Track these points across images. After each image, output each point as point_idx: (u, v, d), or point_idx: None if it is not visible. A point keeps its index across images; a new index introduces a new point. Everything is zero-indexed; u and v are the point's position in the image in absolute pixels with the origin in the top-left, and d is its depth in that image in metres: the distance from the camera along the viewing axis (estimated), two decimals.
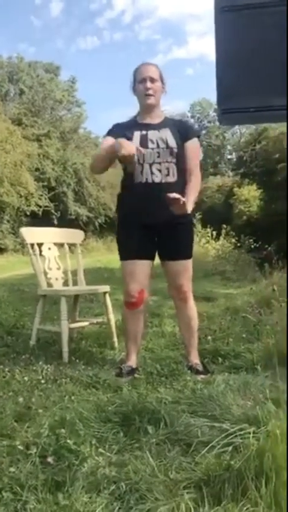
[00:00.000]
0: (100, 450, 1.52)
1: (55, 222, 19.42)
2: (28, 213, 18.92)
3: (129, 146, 2.23)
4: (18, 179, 17.92)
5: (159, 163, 2.37)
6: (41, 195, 20.02)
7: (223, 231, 12.16)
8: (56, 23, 45.77)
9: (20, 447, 1.50)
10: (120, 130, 2.43)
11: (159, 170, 2.37)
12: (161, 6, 49.84)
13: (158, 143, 2.38)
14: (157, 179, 2.37)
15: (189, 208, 2.33)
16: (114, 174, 25.53)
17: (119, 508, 1.20)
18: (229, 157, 33.45)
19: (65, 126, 23.66)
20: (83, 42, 49.05)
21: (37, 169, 20.41)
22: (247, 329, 3.10)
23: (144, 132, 2.40)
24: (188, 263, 2.49)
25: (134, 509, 1.19)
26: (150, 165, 2.37)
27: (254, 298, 4.39)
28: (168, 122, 2.48)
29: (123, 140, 2.25)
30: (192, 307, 2.54)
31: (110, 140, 2.39)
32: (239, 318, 3.60)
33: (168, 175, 2.38)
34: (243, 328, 3.16)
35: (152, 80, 2.41)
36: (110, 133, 2.48)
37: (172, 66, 50.17)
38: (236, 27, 3.18)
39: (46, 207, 20.05)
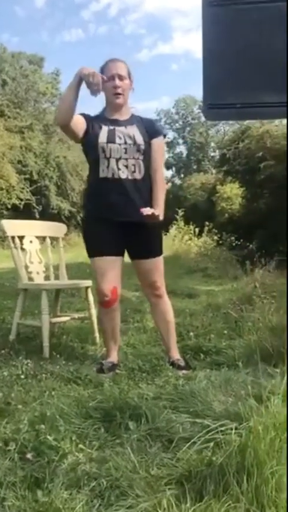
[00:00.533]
0: (80, 446, 1.50)
1: (37, 215, 19.20)
2: (9, 206, 18.64)
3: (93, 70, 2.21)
4: None
5: (126, 159, 2.35)
6: (23, 188, 19.73)
7: (205, 228, 12.21)
8: (41, 14, 45.02)
9: None
10: (90, 118, 2.43)
11: (126, 166, 2.35)
12: (147, 0, 49.56)
13: (125, 139, 2.36)
14: (123, 175, 2.35)
15: (161, 210, 2.35)
16: None
17: (100, 505, 1.18)
18: (212, 154, 33.59)
19: (48, 119, 23.32)
20: (68, 34, 48.42)
21: (19, 162, 20.11)
22: (229, 325, 3.12)
23: (112, 127, 2.39)
24: (159, 260, 2.48)
25: (115, 505, 1.17)
26: (117, 160, 2.34)
27: (235, 296, 4.41)
28: (135, 120, 2.47)
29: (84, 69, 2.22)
30: (167, 302, 2.54)
31: (79, 116, 2.37)
32: (220, 314, 3.62)
33: (134, 171, 2.37)
34: (224, 324, 3.17)
35: (121, 77, 2.38)
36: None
37: (157, 61, 50.03)
38: (224, 22, 3.15)
39: (28, 200, 19.79)
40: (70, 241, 15.24)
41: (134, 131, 2.39)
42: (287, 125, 11.18)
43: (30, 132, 21.38)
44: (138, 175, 2.38)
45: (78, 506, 1.13)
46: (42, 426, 1.54)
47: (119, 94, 2.39)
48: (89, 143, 2.39)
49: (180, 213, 12.33)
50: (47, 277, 3.22)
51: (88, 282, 3.12)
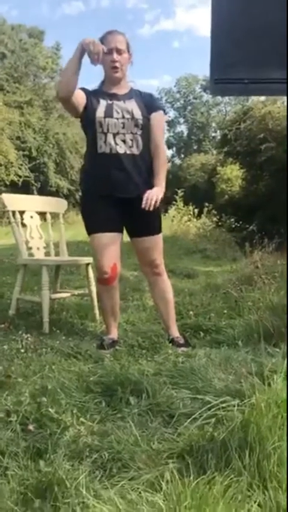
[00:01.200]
0: (82, 419, 1.51)
1: (35, 193, 19.07)
2: (7, 183, 18.49)
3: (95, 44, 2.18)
4: None
5: (124, 134, 2.31)
6: (21, 165, 19.56)
7: (205, 210, 12.16)
8: None
9: (1, 414, 1.47)
10: (89, 92, 2.38)
11: (124, 141, 2.32)
12: None
13: (123, 114, 2.32)
14: (121, 150, 2.31)
15: (162, 186, 2.31)
16: None
17: (102, 476, 1.19)
18: (213, 134, 33.25)
19: (48, 94, 22.96)
20: (68, 7, 47.28)
21: (18, 138, 19.88)
22: (228, 305, 3.12)
23: (110, 101, 2.34)
24: (158, 238, 2.46)
25: (117, 477, 1.18)
26: (114, 135, 2.31)
27: (235, 276, 4.41)
28: (134, 94, 2.42)
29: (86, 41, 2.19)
30: (166, 280, 2.53)
31: (80, 91, 2.33)
32: (219, 294, 3.62)
33: (132, 146, 2.33)
34: (224, 304, 3.17)
35: (119, 51, 2.32)
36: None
37: (159, 38, 49.05)
38: None
39: (26, 177, 19.63)
40: (68, 220, 15.15)
41: (133, 105, 2.34)
42: (287, 105, 11.02)
43: (29, 108, 21.09)
44: (136, 150, 2.34)
45: (81, 476, 1.13)
46: (44, 399, 1.54)
47: (117, 67, 2.34)
48: (87, 118, 2.35)
49: (180, 193, 12.26)
50: (47, 254, 3.20)
51: (89, 259, 3.10)
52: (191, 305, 3.22)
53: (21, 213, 3.09)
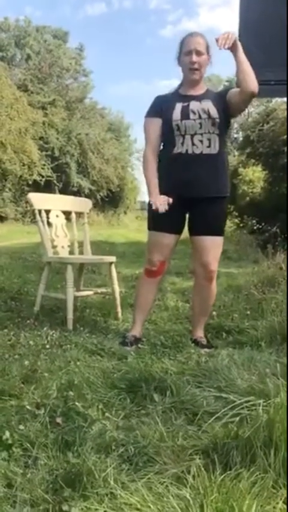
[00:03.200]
0: (107, 414, 1.54)
1: (57, 192, 19.28)
2: (30, 182, 18.74)
3: (161, 205, 2.26)
4: (22, 147, 17.66)
5: (201, 134, 2.33)
6: (44, 165, 19.79)
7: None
8: None
9: (29, 407, 1.51)
10: (161, 105, 2.42)
11: (201, 142, 2.33)
12: None
13: (199, 114, 2.34)
14: (197, 151, 2.34)
15: (230, 40, 2.16)
16: (119, 148, 25.27)
17: (128, 469, 1.22)
18: (235, 136, 33.00)
19: (71, 95, 23.19)
20: (91, 8, 47.62)
21: (41, 138, 20.12)
22: (251, 306, 3.11)
23: (185, 103, 2.37)
24: (219, 240, 2.45)
25: (143, 470, 1.20)
26: (192, 136, 2.33)
27: (257, 278, 4.39)
28: (210, 93, 2.44)
29: (156, 200, 2.29)
30: (214, 288, 2.53)
31: (156, 123, 2.40)
32: (241, 296, 3.62)
33: (209, 146, 2.34)
34: (247, 305, 3.17)
35: (198, 53, 2.34)
36: (151, 112, 2.45)
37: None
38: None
39: (49, 177, 19.85)
40: (89, 220, 15.32)
41: (209, 105, 2.35)
42: (287, 106, 10.82)
43: (53, 108, 21.32)
44: (213, 150, 2.35)
45: (109, 468, 1.16)
46: (71, 393, 1.58)
47: (196, 69, 2.35)
48: (163, 123, 2.39)
49: None
50: (71, 252, 3.25)
51: (112, 258, 3.14)
52: (213, 306, 3.21)
53: (47, 212, 3.15)
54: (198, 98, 2.38)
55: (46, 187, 19.10)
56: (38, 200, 3.12)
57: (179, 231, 2.48)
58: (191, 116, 2.33)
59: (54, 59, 23.55)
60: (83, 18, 45.47)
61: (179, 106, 2.36)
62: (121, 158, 23.94)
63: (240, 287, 4.08)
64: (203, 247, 2.44)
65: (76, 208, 3.37)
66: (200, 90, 2.42)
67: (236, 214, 11.65)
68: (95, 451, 1.29)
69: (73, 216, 3.33)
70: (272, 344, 2.30)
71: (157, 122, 2.41)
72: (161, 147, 2.48)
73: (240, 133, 30.22)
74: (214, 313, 2.97)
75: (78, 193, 20.44)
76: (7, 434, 1.33)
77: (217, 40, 2.16)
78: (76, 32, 49.16)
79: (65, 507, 1.03)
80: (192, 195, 2.37)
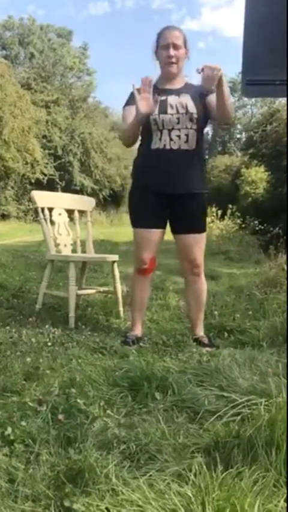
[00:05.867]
0: (109, 412, 1.54)
1: (59, 191, 19.28)
2: (33, 181, 18.75)
3: (147, 106, 2.24)
4: (25, 146, 17.67)
5: (179, 129, 2.33)
6: (47, 163, 19.79)
7: (228, 211, 12.10)
8: None
9: (30, 403, 1.52)
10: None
11: (178, 137, 2.33)
12: None
13: (177, 109, 2.33)
14: (175, 146, 2.33)
15: (215, 81, 2.11)
16: (122, 147, 25.22)
17: (130, 466, 1.22)
18: (238, 136, 32.99)
19: (74, 94, 23.19)
20: (94, 8, 47.59)
21: (44, 136, 20.13)
22: (253, 306, 3.11)
23: (163, 97, 2.35)
24: (202, 237, 2.47)
25: (145, 468, 1.21)
26: (169, 131, 2.33)
27: (258, 279, 4.39)
28: (188, 88, 2.42)
29: (139, 100, 2.24)
30: (204, 282, 2.54)
31: (132, 109, 2.35)
32: (243, 296, 3.62)
33: (187, 141, 2.34)
34: (248, 305, 3.17)
35: (176, 46, 2.34)
36: (129, 101, 2.44)
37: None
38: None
39: (51, 175, 19.86)
40: (91, 219, 15.30)
41: (187, 99, 2.35)
42: (287, 106, 10.80)
43: (56, 107, 21.32)
44: (191, 145, 2.35)
45: (111, 465, 1.17)
46: (73, 390, 1.58)
47: (173, 62, 2.35)
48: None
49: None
50: (73, 251, 3.25)
51: (115, 257, 3.15)
52: (215, 306, 3.23)
53: (50, 210, 3.15)
54: (177, 92, 2.37)
55: (49, 186, 19.10)
56: (41, 198, 3.13)
57: (162, 225, 2.47)
58: (169, 110, 2.32)
59: (57, 58, 23.57)
60: (85, 17, 45.51)
61: (156, 100, 2.33)
62: (124, 158, 23.90)
63: (242, 287, 4.09)
64: (187, 245, 2.45)
65: (79, 207, 3.38)
66: (178, 84, 2.41)
67: (238, 214, 11.64)
68: (96, 448, 1.30)
69: (76, 214, 3.33)
70: (274, 344, 2.31)
71: (134, 109, 2.35)
72: (139, 141, 2.48)
73: (244, 133, 30.24)
74: (216, 313, 2.97)
75: (80, 192, 20.42)
76: (9, 430, 1.33)
77: (199, 72, 2.10)
78: (79, 31, 49.20)
79: (66, 503, 1.04)
80: (172, 190, 2.37)
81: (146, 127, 2.37)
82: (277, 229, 7.69)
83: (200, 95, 2.37)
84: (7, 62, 19.12)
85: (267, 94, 2.36)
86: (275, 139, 13.51)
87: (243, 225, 10.92)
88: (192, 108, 2.33)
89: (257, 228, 10.19)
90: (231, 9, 48.31)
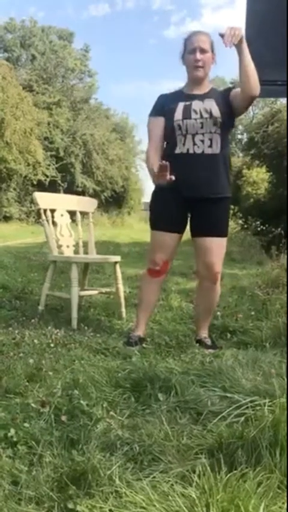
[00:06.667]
0: (112, 413, 1.54)
1: (61, 193, 19.31)
2: (35, 182, 18.78)
3: (163, 177, 2.23)
4: (27, 147, 17.70)
5: (203, 134, 2.33)
6: (49, 165, 19.84)
7: (230, 212, 12.08)
8: None
9: (33, 405, 1.51)
10: (164, 104, 2.43)
11: (202, 141, 2.33)
12: None
13: (201, 114, 2.33)
14: (198, 151, 2.33)
15: (237, 37, 2.10)
16: (123, 148, 25.25)
17: (133, 468, 1.21)
18: (239, 137, 32.95)
19: (76, 96, 23.24)
20: (94, 9, 47.65)
21: (46, 138, 20.16)
22: (255, 307, 3.11)
23: (188, 103, 2.37)
24: (222, 241, 2.43)
25: (148, 469, 1.20)
26: (193, 136, 2.33)
27: (261, 279, 4.39)
28: (214, 92, 2.43)
29: (156, 177, 2.29)
30: (218, 290, 2.52)
31: (158, 121, 2.40)
32: (246, 297, 3.61)
33: (210, 146, 2.34)
34: (251, 306, 3.16)
35: (202, 50, 2.34)
36: (154, 111, 2.46)
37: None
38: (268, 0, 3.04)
39: (53, 177, 19.90)
40: (93, 220, 15.31)
41: (211, 104, 2.34)
42: (287, 106, 10.75)
43: (58, 108, 21.36)
44: (215, 150, 2.35)
45: (114, 467, 1.16)
46: (76, 391, 1.58)
47: (200, 67, 2.35)
48: (165, 122, 2.39)
49: None
50: (76, 252, 3.26)
51: (117, 258, 3.14)
52: (217, 306, 3.21)
53: (52, 211, 3.16)
54: (202, 97, 2.37)
55: (51, 187, 19.13)
56: (43, 199, 3.13)
57: (181, 231, 2.47)
58: (193, 115, 2.33)
59: (59, 60, 23.61)
60: (86, 18, 45.56)
61: (181, 106, 2.36)
62: (125, 159, 23.95)
63: (245, 288, 4.08)
64: (206, 249, 2.42)
65: (81, 208, 3.38)
66: (204, 89, 2.42)
67: (240, 215, 11.65)
68: (100, 449, 1.29)
69: (78, 215, 3.33)
70: (277, 345, 2.30)
71: (160, 121, 2.41)
72: (164, 146, 2.47)
73: (245, 134, 30.20)
74: (218, 313, 2.96)
75: (82, 193, 20.42)
76: (12, 431, 1.33)
77: (222, 36, 2.10)
78: (80, 33, 49.16)
79: (70, 505, 1.03)
80: (194, 194, 2.36)
81: (170, 133, 2.38)
82: (279, 229, 7.68)
83: (224, 96, 2.37)
84: (9, 64, 19.14)
85: (269, 95, 2.37)
86: (276, 140, 13.48)
87: (245, 226, 10.92)
88: (216, 112, 2.32)
89: (259, 229, 10.17)
90: (232, 9, 48.35)
